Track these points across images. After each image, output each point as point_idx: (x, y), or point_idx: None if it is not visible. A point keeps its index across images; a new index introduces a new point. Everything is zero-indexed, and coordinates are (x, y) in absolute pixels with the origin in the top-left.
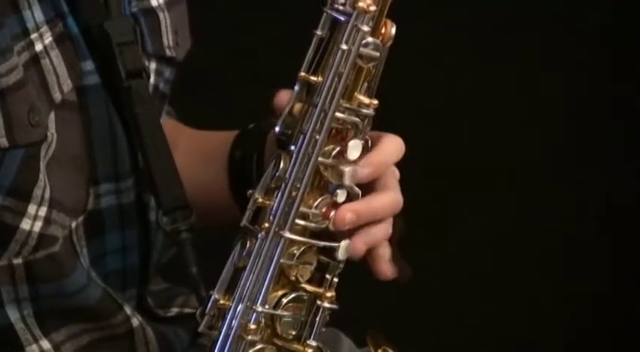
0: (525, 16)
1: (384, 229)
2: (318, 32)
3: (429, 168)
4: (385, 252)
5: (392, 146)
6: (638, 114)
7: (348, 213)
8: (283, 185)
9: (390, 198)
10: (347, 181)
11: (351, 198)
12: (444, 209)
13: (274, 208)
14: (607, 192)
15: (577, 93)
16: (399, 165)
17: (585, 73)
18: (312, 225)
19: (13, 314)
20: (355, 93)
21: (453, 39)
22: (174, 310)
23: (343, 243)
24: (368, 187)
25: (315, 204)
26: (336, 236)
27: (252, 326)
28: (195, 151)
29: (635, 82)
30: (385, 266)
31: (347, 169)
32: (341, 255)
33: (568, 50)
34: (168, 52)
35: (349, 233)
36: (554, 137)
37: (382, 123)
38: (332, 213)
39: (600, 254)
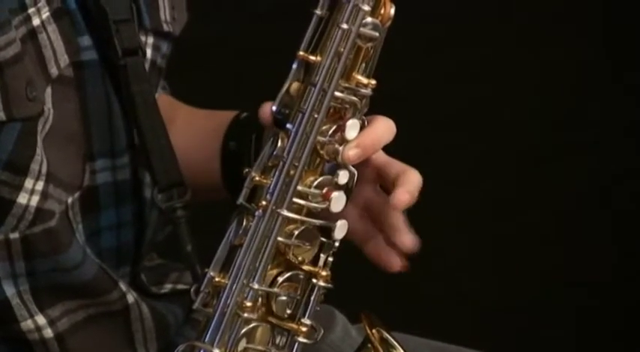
0: None
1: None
2: (318, 12)
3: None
4: (399, 222)
5: (383, 127)
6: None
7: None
8: (281, 163)
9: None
10: (343, 160)
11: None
12: (442, 189)
13: (272, 186)
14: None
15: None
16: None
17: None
18: (311, 204)
19: (9, 290)
20: (354, 73)
21: (451, 19)
22: (168, 286)
23: (339, 223)
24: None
25: (315, 183)
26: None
27: (248, 304)
28: (194, 129)
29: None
30: (406, 237)
31: (343, 148)
32: (337, 234)
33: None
34: (165, 27)
35: (345, 213)
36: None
37: (378, 104)
38: (332, 195)
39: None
